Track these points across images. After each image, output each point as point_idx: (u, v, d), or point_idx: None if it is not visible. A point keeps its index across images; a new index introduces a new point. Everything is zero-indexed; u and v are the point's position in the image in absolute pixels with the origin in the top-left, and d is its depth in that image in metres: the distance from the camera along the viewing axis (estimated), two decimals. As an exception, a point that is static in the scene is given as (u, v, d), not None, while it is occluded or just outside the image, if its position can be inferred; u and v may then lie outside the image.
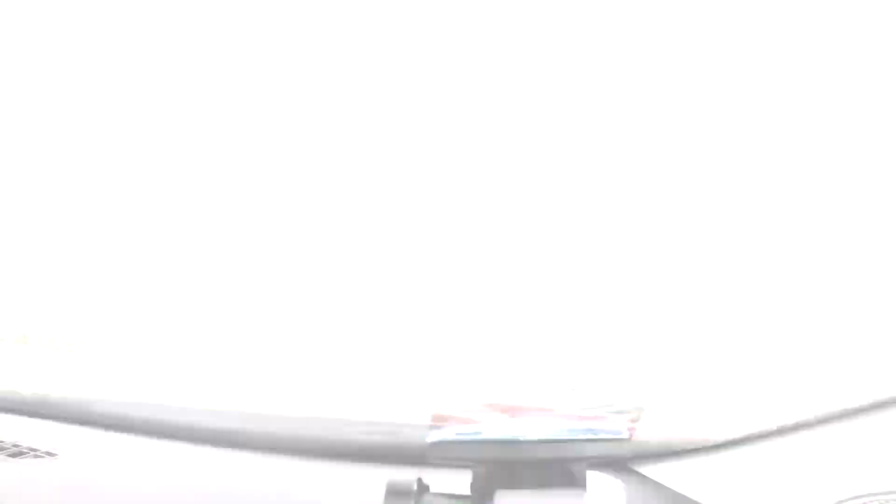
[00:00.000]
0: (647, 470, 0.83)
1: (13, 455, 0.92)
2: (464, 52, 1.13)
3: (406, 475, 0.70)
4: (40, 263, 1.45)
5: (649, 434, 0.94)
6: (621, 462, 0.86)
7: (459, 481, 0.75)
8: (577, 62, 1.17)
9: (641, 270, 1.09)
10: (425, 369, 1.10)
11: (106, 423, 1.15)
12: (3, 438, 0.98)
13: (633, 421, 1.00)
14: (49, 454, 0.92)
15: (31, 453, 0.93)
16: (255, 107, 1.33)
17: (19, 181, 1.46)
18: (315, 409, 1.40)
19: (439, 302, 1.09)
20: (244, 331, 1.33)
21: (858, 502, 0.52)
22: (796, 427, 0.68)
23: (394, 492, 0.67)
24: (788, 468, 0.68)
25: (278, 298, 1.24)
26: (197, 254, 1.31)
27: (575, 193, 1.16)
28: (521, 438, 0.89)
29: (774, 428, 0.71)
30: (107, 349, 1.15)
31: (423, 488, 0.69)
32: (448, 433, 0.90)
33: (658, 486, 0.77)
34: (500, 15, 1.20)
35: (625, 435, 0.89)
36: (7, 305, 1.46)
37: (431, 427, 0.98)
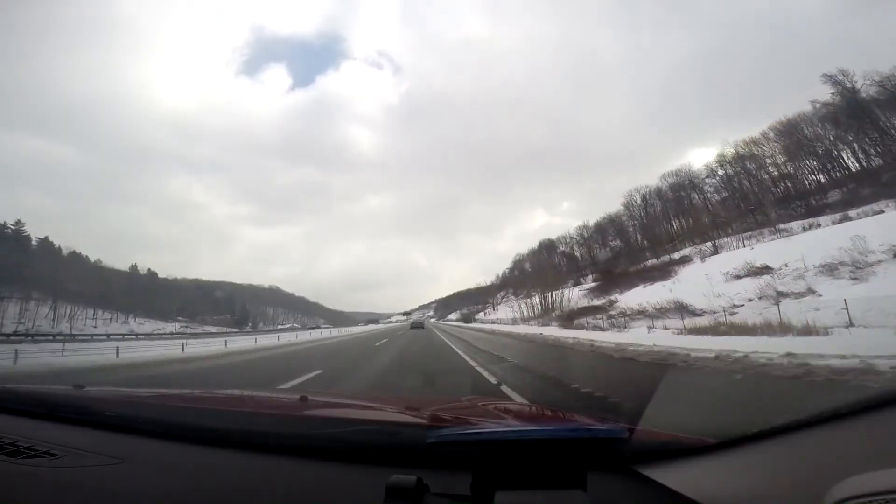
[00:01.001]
0: (647, 470, 0.83)
1: (12, 455, 0.91)
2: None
3: (406, 475, 0.69)
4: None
5: (649, 434, 0.94)
6: (621, 462, 0.87)
7: (459, 481, 0.75)
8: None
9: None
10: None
11: (105, 423, 1.15)
12: (3, 438, 0.98)
13: (633, 421, 1.00)
14: (48, 454, 0.92)
15: (31, 453, 0.92)
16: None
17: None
18: (315, 410, 1.42)
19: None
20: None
21: (858, 502, 0.52)
22: (796, 427, 0.69)
23: (394, 492, 0.67)
24: (787, 468, 0.68)
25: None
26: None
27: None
28: (521, 438, 0.89)
29: (774, 428, 0.71)
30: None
31: (422, 488, 0.69)
32: (448, 433, 0.90)
33: (658, 486, 0.77)
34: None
35: (624, 435, 0.90)
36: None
37: (431, 427, 0.98)
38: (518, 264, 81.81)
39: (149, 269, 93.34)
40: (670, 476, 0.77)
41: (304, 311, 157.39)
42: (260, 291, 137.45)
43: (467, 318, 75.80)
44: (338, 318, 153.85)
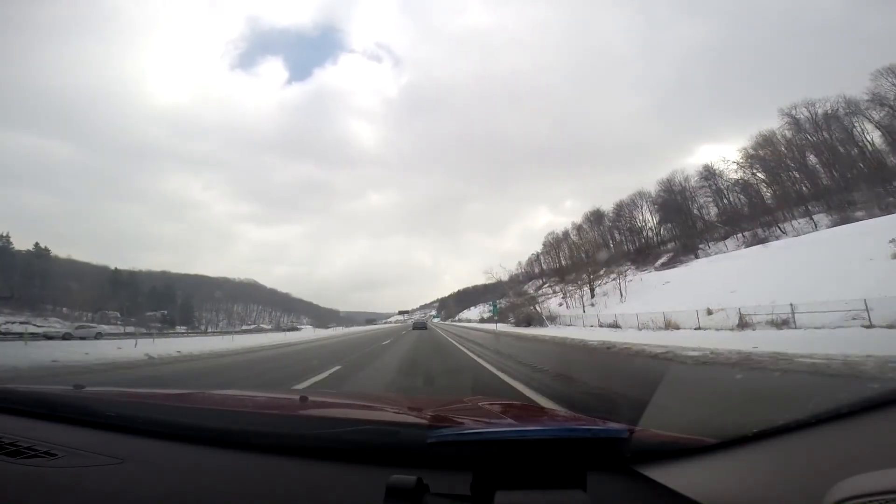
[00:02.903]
0: (647, 470, 0.83)
1: (12, 455, 0.91)
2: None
3: (406, 475, 0.70)
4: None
5: (649, 434, 0.94)
6: (621, 462, 0.87)
7: (459, 481, 0.75)
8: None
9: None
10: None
11: (105, 423, 1.15)
12: (3, 438, 0.98)
13: (633, 421, 1.00)
14: (48, 454, 0.92)
15: (31, 453, 0.92)
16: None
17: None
18: (315, 410, 1.42)
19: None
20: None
21: (858, 502, 0.52)
22: (796, 427, 0.69)
23: (394, 492, 0.67)
24: (788, 468, 0.68)
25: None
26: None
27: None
28: (522, 438, 0.89)
29: (774, 428, 0.71)
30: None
31: (422, 488, 0.69)
32: (448, 433, 0.90)
33: (658, 486, 0.77)
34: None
35: (625, 435, 0.90)
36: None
37: (431, 427, 0.98)
38: (552, 245, 69.15)
39: (36, 245, 66.92)
40: (670, 476, 0.77)
41: (287, 309, 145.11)
42: (236, 286, 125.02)
43: (526, 318, 34.09)
44: (328, 318, 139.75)
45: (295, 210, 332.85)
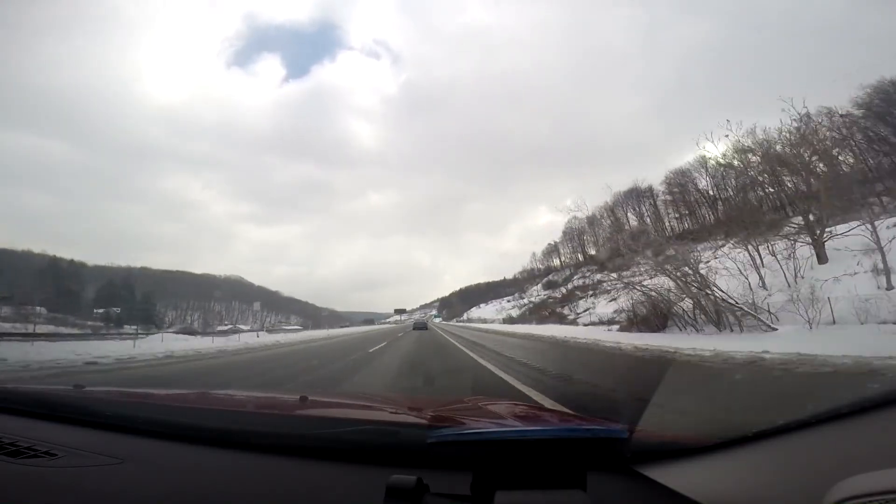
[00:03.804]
0: (647, 470, 0.83)
1: (12, 455, 0.91)
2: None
3: (406, 475, 0.70)
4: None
5: (649, 434, 0.94)
6: (621, 462, 0.87)
7: (459, 481, 0.75)
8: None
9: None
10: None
11: (105, 423, 1.16)
12: (3, 438, 0.98)
13: (633, 421, 1.00)
14: (48, 454, 0.92)
15: (31, 453, 0.92)
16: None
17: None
18: (315, 410, 1.42)
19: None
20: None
21: (858, 502, 0.52)
22: (796, 427, 0.69)
23: (394, 492, 0.67)
24: (788, 468, 0.68)
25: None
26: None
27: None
28: (522, 438, 0.89)
29: (774, 428, 0.71)
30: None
31: (422, 488, 0.69)
32: (448, 433, 0.90)
33: (658, 486, 0.77)
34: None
35: (625, 435, 0.90)
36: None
37: (431, 427, 0.98)
38: (576, 233, 55.46)
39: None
40: (670, 476, 0.77)
41: (277, 308, 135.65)
42: (221, 284, 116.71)
43: (655, 315, 12.35)
44: (323, 318, 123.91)
45: (295, 210, 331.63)
